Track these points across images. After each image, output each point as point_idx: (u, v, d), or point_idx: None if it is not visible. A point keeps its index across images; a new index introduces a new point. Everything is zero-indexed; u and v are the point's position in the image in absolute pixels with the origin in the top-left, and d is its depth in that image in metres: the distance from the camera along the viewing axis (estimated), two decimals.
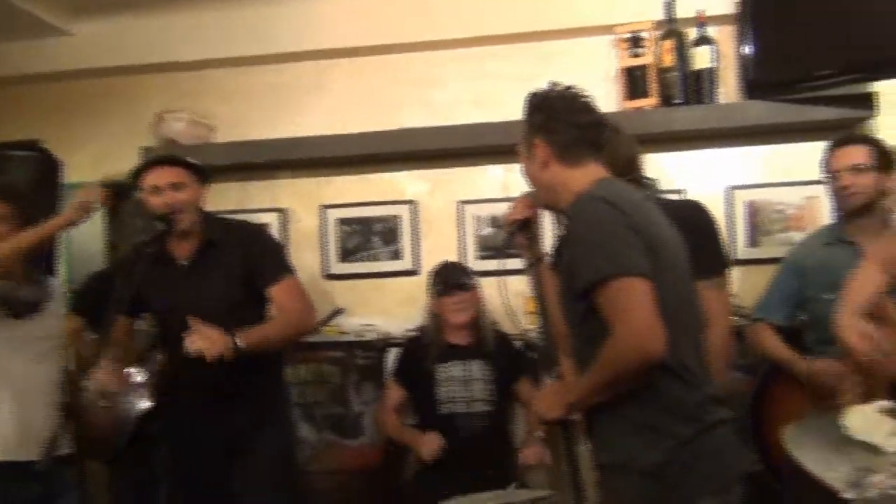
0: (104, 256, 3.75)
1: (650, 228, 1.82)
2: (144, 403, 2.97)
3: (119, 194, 3.42)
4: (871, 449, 1.11)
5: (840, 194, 2.70)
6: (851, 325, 1.92)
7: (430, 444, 3.05)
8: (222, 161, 3.68)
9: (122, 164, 3.80)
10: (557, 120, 1.97)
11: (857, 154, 2.67)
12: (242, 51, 3.76)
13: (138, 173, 2.67)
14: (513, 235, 2.10)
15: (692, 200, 2.73)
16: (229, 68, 3.83)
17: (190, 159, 2.73)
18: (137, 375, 2.99)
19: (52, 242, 3.04)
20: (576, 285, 1.80)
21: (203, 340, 2.40)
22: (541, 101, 2.01)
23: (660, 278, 1.75)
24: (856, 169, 2.65)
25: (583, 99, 2.00)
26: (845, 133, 2.88)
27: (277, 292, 2.65)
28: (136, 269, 2.57)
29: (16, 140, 3.71)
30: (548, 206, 2.05)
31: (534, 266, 2.09)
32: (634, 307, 1.70)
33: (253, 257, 2.67)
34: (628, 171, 2.40)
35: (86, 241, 3.77)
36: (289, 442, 2.85)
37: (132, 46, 3.79)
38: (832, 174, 2.72)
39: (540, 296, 2.06)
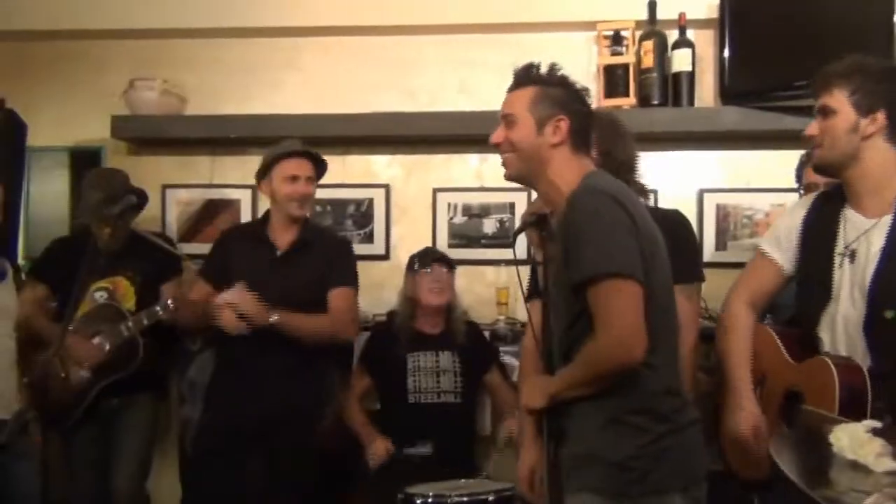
0: (69, 224, 3.65)
1: (647, 230, 1.84)
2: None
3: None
4: (860, 468, 1.15)
5: None
6: (748, 415, 2.08)
7: (377, 452, 3.06)
8: (193, 134, 3.62)
9: (88, 130, 3.74)
10: (578, 104, 1.94)
11: None
12: (217, 22, 3.66)
13: (278, 157, 2.89)
14: (526, 227, 2.03)
15: (675, 210, 2.80)
16: (203, 39, 3.73)
17: (320, 157, 3.00)
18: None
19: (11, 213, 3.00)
20: (570, 277, 1.80)
21: (236, 297, 2.67)
22: (560, 78, 1.95)
23: (651, 280, 1.78)
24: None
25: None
26: None
27: (334, 296, 2.88)
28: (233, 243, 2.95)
29: None
30: (518, 181, 2.00)
31: (542, 265, 2.02)
32: (623, 310, 1.72)
33: (331, 263, 2.91)
34: (627, 172, 2.43)
35: (48, 209, 3.67)
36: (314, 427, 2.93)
37: (104, 10, 3.66)
38: (807, 186, 2.76)
39: (547, 294, 1.98)
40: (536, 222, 1.99)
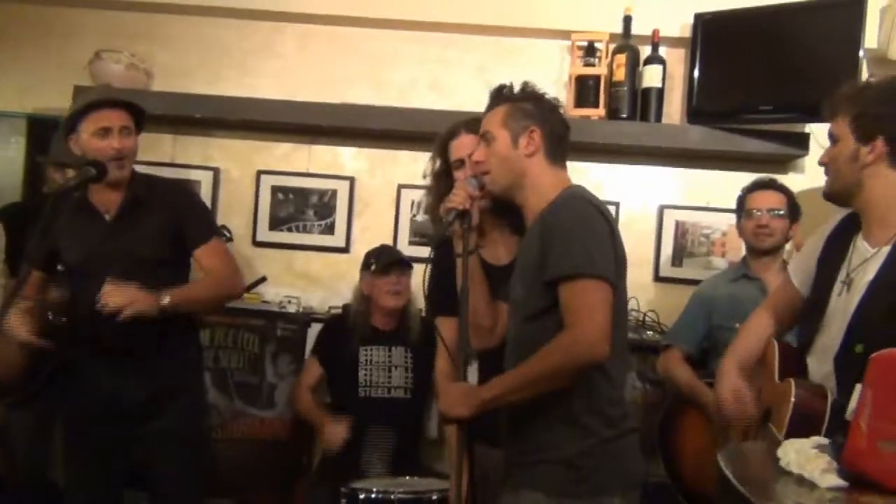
0: (21, 191, 3.57)
1: (620, 242, 1.94)
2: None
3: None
4: (806, 483, 1.17)
5: (756, 232, 2.91)
6: (728, 378, 2.08)
7: (334, 434, 3.02)
8: (157, 110, 3.52)
9: (49, 98, 3.64)
10: (550, 113, 2.04)
11: (775, 199, 2.91)
12: None
13: (83, 111, 2.50)
14: (449, 224, 2.07)
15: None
16: (176, 15, 3.67)
17: (137, 106, 2.60)
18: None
19: None
20: (545, 274, 1.86)
21: (121, 296, 2.33)
22: (531, 93, 2.05)
23: (617, 289, 1.87)
24: (773, 212, 2.89)
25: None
26: (763, 178, 3.05)
27: (205, 254, 2.59)
28: (55, 219, 2.40)
29: None
30: (502, 195, 2.05)
31: (464, 257, 2.06)
32: (595, 309, 1.79)
33: (180, 217, 2.59)
34: None
35: (0, 175, 3.58)
36: (198, 409, 2.79)
37: None
38: (749, 211, 2.92)
39: (464, 288, 2.04)
40: (459, 216, 2.05)
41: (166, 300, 2.40)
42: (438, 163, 2.36)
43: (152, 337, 2.49)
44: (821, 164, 1.99)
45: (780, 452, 1.24)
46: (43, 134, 3.48)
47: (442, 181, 2.31)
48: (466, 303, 2.02)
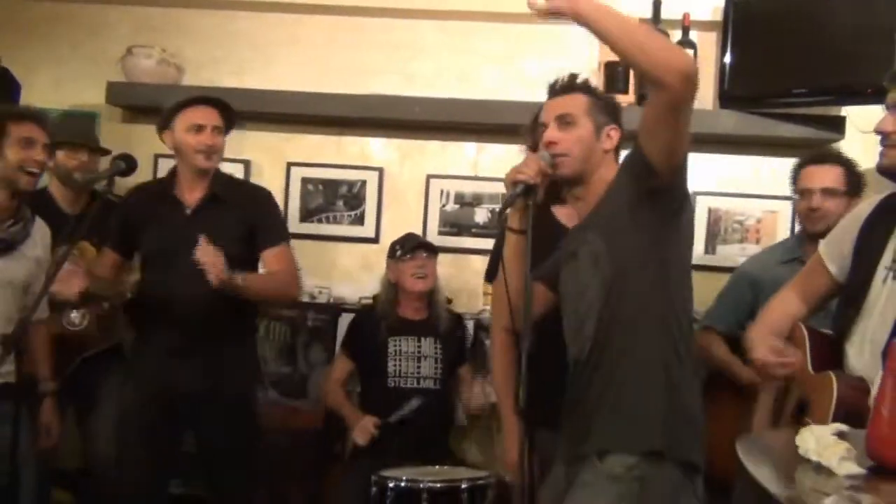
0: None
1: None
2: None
3: None
4: (824, 471, 1.15)
5: (807, 215, 2.64)
6: (762, 341, 1.94)
7: (363, 430, 3.04)
8: None
9: (83, 95, 3.72)
10: (621, 118, 2.05)
11: (831, 175, 2.62)
12: None
13: (177, 108, 2.65)
14: (516, 196, 1.90)
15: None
16: (204, 10, 3.71)
17: (229, 106, 2.73)
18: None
19: None
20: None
21: (211, 256, 2.44)
22: (602, 94, 2.10)
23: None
24: (827, 192, 2.60)
25: None
26: (820, 150, 2.82)
27: (272, 256, 2.71)
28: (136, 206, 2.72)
29: None
30: (571, 180, 1.98)
31: (528, 234, 1.89)
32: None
33: (255, 218, 2.72)
34: None
35: None
36: (253, 397, 2.87)
37: None
38: (802, 191, 2.67)
39: (527, 269, 1.86)
40: (524, 192, 1.89)
41: (240, 279, 2.50)
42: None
43: (219, 326, 2.62)
44: (879, 132, 1.78)
45: (798, 440, 1.22)
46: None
47: (529, 137, 2.29)
48: (529, 281, 1.84)
